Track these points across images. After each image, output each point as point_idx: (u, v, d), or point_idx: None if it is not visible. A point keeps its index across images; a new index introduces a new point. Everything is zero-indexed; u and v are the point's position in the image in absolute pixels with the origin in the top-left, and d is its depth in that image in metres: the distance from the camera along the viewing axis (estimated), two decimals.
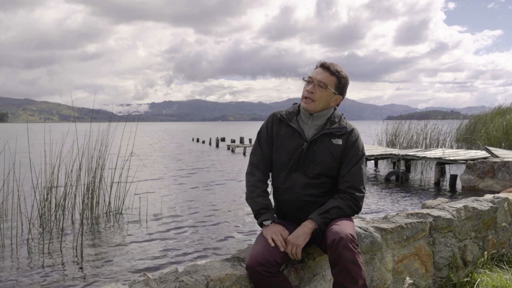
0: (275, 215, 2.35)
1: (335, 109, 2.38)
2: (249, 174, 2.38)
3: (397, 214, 2.96)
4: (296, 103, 2.43)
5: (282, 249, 2.08)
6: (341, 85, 2.31)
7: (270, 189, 2.41)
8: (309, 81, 2.31)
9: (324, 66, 2.29)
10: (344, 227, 2.05)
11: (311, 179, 2.27)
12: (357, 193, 2.22)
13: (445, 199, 3.38)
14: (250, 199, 2.33)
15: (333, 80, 2.28)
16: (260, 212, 2.26)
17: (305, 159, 2.27)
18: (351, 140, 2.29)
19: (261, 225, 2.24)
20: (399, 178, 11.22)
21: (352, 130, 2.32)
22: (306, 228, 2.14)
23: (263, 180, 2.35)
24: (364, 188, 2.27)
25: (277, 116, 2.39)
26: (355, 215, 2.31)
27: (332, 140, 2.27)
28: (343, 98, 2.36)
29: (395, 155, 12.19)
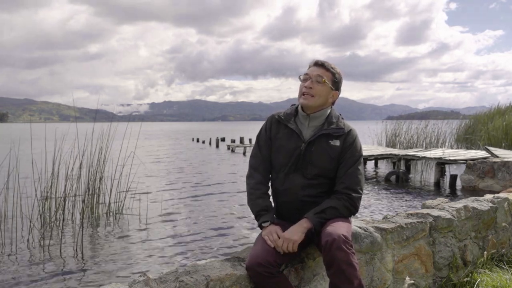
0: (274, 216, 2.35)
1: (332, 108, 2.39)
2: (249, 177, 2.39)
3: (397, 214, 2.96)
4: (294, 104, 2.44)
5: (272, 246, 2.09)
6: (336, 81, 2.35)
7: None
8: (306, 78, 2.34)
9: (318, 64, 2.34)
10: (338, 228, 2.05)
11: (309, 180, 2.27)
12: (353, 194, 2.22)
13: (445, 199, 3.38)
14: (250, 201, 2.34)
15: (329, 75, 2.32)
16: (260, 213, 2.27)
17: (303, 160, 2.27)
18: (349, 141, 2.29)
19: (260, 226, 2.25)
20: (399, 178, 11.22)
21: (350, 131, 2.32)
22: (301, 227, 2.14)
23: (262, 182, 2.35)
24: (361, 189, 2.27)
25: (275, 118, 2.40)
26: (352, 216, 2.31)
27: (330, 141, 2.27)
28: (339, 94, 2.39)
29: (395, 155, 12.19)
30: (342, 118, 2.38)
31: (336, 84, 2.35)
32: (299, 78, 2.37)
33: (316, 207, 2.20)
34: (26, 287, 4.35)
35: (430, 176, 11.73)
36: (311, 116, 2.32)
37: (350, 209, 2.24)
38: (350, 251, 1.99)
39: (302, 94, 2.32)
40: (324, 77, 2.30)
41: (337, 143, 2.28)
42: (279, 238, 2.12)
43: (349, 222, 2.26)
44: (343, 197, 2.22)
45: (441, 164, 10.99)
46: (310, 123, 2.33)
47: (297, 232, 2.12)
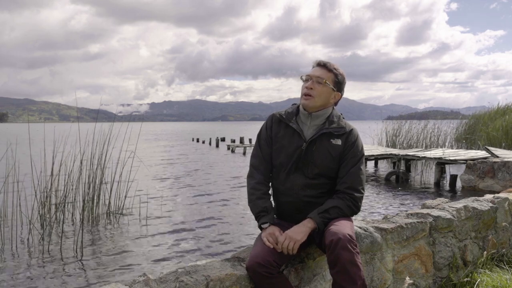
0: (275, 216, 2.34)
1: (333, 108, 2.38)
2: (249, 177, 2.38)
3: (397, 214, 2.96)
4: (295, 104, 2.43)
5: (277, 249, 2.08)
6: (338, 82, 2.34)
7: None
8: (307, 79, 2.33)
9: (320, 64, 2.34)
10: (343, 227, 2.05)
11: (311, 180, 2.27)
12: (356, 194, 2.22)
13: (445, 199, 3.38)
14: (250, 201, 2.32)
15: (331, 76, 2.31)
16: (260, 214, 2.26)
17: (304, 160, 2.27)
18: (351, 141, 2.29)
19: (260, 227, 2.24)
20: (399, 178, 11.21)
21: (352, 130, 2.32)
22: (305, 227, 2.14)
23: (263, 182, 2.34)
24: (363, 189, 2.27)
25: (276, 117, 2.39)
26: (354, 215, 2.31)
27: (331, 140, 2.27)
28: (341, 95, 2.37)
29: (395, 155, 12.18)
30: (343, 118, 2.38)
31: (338, 85, 2.34)
32: (301, 78, 2.37)
33: (319, 207, 2.20)
34: (26, 287, 4.35)
35: (430, 176, 11.73)
36: (312, 115, 2.32)
37: (353, 208, 2.23)
38: (355, 251, 1.99)
39: (303, 94, 2.32)
40: (325, 78, 2.29)
41: (338, 142, 2.27)
42: (278, 239, 2.11)
43: (352, 221, 2.26)
44: (345, 197, 2.21)
45: (441, 164, 10.98)
46: (311, 122, 2.32)
47: (300, 232, 2.11)
